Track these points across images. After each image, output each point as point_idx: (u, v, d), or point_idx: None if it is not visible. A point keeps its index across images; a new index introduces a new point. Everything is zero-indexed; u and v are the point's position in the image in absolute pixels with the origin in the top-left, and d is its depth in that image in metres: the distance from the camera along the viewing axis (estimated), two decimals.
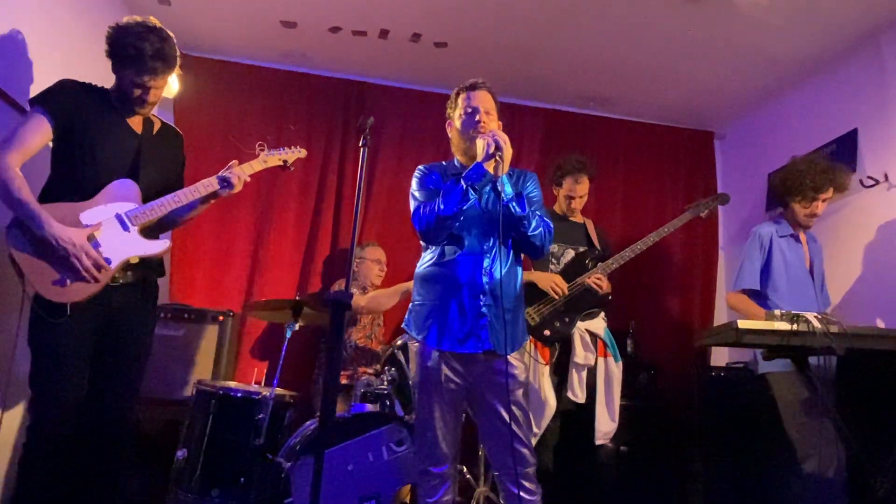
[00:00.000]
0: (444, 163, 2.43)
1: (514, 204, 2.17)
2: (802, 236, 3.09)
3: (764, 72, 3.82)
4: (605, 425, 3.15)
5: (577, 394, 3.13)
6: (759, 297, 3.00)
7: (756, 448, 3.19)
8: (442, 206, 2.12)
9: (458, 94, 2.35)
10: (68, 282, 2.10)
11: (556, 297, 3.07)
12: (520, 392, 2.19)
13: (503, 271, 2.19)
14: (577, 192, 3.34)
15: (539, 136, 4.38)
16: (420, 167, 2.38)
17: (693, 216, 3.47)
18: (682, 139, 4.62)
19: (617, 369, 3.23)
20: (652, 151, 4.54)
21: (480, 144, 2.14)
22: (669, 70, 3.90)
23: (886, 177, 3.22)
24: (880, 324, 3.09)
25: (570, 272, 3.20)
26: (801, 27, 3.34)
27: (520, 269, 2.31)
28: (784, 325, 2.27)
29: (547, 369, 3.09)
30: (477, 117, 2.25)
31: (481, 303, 2.14)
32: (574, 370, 3.13)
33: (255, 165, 2.55)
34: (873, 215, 3.28)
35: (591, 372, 3.17)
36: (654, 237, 3.29)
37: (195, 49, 3.90)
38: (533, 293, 3.06)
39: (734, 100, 4.22)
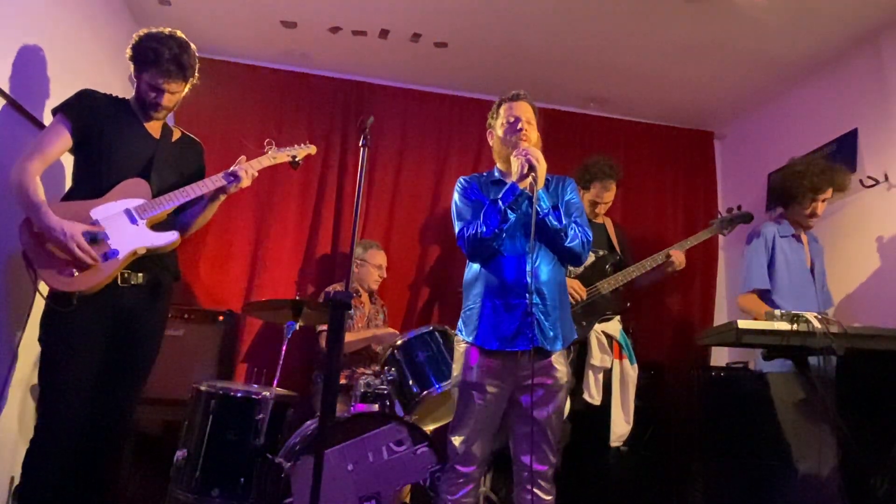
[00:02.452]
0: (484, 173, 2.49)
1: (550, 218, 2.22)
2: (804, 237, 3.09)
3: (764, 72, 3.82)
4: (620, 427, 3.19)
5: (594, 395, 3.15)
6: (762, 296, 3.00)
7: (756, 448, 3.18)
8: (483, 229, 2.19)
9: (499, 105, 2.43)
10: (74, 272, 2.16)
11: (574, 301, 3.08)
12: (561, 395, 2.22)
13: (547, 270, 2.24)
14: (604, 198, 3.36)
15: (539, 136, 4.37)
16: (461, 180, 2.43)
17: (717, 232, 3.50)
18: (682, 139, 4.62)
19: (633, 371, 3.26)
20: (652, 151, 4.54)
21: (515, 164, 2.18)
22: (669, 70, 3.90)
23: (886, 177, 3.22)
24: (880, 324, 3.09)
25: (589, 276, 3.22)
26: (800, 27, 3.34)
27: (563, 268, 2.35)
28: (784, 325, 2.27)
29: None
30: (519, 125, 2.32)
31: (528, 301, 2.16)
32: (590, 372, 3.15)
33: (264, 161, 2.59)
34: (873, 215, 3.28)
35: (607, 374, 3.19)
36: (677, 248, 3.34)
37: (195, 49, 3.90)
38: None
39: (734, 100, 4.21)
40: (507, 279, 2.20)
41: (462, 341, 2.27)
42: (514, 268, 2.21)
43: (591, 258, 3.31)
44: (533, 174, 2.12)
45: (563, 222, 2.24)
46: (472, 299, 2.29)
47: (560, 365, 2.21)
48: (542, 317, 2.18)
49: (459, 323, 2.33)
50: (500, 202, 2.17)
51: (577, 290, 3.10)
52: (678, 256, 3.29)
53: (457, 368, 2.27)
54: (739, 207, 3.59)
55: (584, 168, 3.44)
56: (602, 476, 3.38)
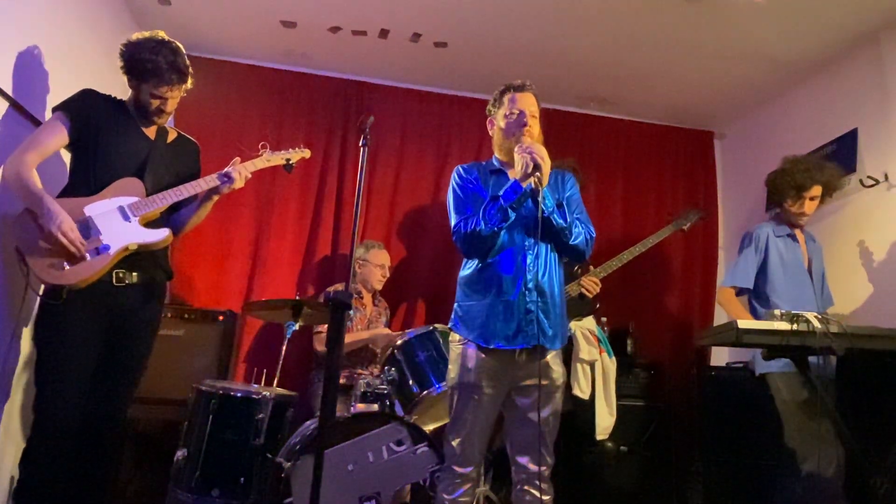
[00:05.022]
0: (482, 162, 2.43)
1: (555, 216, 2.16)
2: (800, 236, 3.09)
3: (764, 72, 3.82)
4: (605, 420, 3.23)
5: (584, 389, 3.18)
6: (758, 297, 3.01)
7: (756, 448, 3.19)
8: (482, 226, 2.12)
9: (503, 93, 2.33)
10: (65, 265, 2.17)
11: (590, 295, 3.20)
12: (557, 395, 2.21)
13: (547, 267, 2.20)
14: None
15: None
16: (459, 169, 2.36)
17: (675, 230, 3.61)
18: (682, 139, 4.62)
19: (612, 364, 3.31)
20: (652, 151, 4.54)
21: (518, 161, 2.12)
22: (670, 70, 3.89)
23: (886, 177, 3.21)
24: (880, 324, 3.09)
25: None
26: (801, 27, 3.33)
27: (562, 266, 2.32)
28: (784, 325, 2.27)
29: None
30: (525, 120, 2.25)
31: (528, 299, 2.14)
32: (579, 366, 3.19)
33: (258, 163, 2.61)
34: (873, 215, 3.28)
35: (592, 368, 3.23)
36: (639, 248, 3.43)
37: (195, 49, 3.89)
38: None
39: (734, 100, 4.21)
40: (508, 276, 2.17)
41: (458, 340, 2.24)
42: (514, 265, 2.17)
43: None
44: (538, 174, 2.07)
45: (568, 220, 2.19)
46: (471, 296, 2.24)
47: (556, 365, 2.20)
48: (542, 315, 2.15)
49: (454, 320, 2.28)
50: (502, 200, 2.11)
51: (594, 283, 3.24)
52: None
53: (453, 370, 2.23)
54: (696, 205, 3.80)
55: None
56: (602, 476, 3.39)
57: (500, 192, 2.14)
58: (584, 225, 2.27)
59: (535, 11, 3.42)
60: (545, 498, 2.16)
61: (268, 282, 3.90)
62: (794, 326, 2.26)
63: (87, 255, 2.20)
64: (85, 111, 2.35)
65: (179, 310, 3.38)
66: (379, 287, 3.71)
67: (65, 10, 2.88)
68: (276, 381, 2.76)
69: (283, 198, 4.02)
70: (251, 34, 3.87)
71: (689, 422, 3.71)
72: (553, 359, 2.20)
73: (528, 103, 2.29)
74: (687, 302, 4.38)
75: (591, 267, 3.36)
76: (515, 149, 2.15)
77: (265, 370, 3.01)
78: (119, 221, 2.28)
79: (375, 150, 4.10)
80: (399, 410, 2.81)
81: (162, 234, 2.38)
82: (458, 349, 2.23)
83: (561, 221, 2.17)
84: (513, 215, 2.13)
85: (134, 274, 2.34)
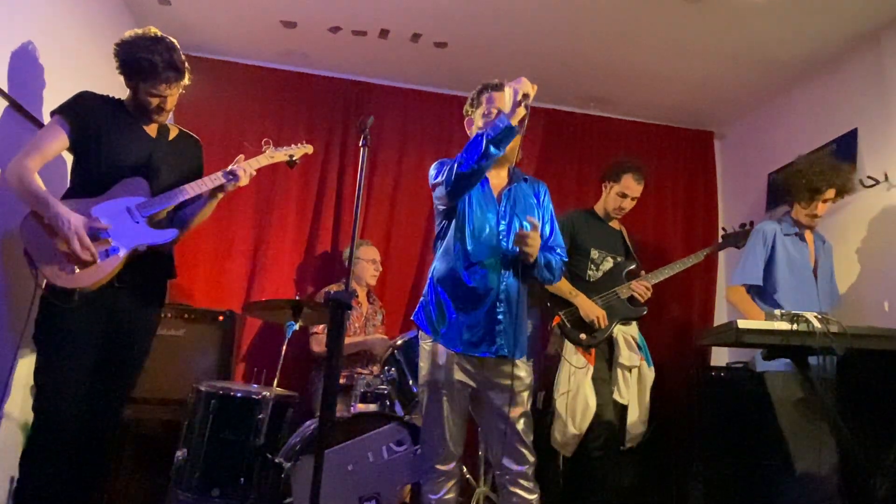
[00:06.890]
0: None
1: (543, 273, 2.24)
2: (809, 236, 3.07)
3: (764, 72, 3.82)
4: (636, 428, 3.21)
5: (624, 395, 3.17)
6: (761, 294, 3.00)
7: (756, 448, 3.19)
8: (461, 163, 2.10)
9: (480, 93, 2.33)
10: (76, 269, 2.17)
11: (599, 328, 3.12)
12: (525, 394, 2.21)
13: (517, 279, 2.22)
14: (633, 190, 3.34)
15: (539, 136, 4.37)
16: (439, 160, 2.38)
17: (727, 246, 3.57)
18: (682, 139, 4.62)
19: (650, 373, 3.29)
20: (652, 151, 4.53)
21: (508, 92, 2.11)
22: (670, 70, 3.89)
23: (886, 177, 3.21)
24: (880, 324, 3.08)
25: (607, 281, 3.27)
26: (801, 27, 3.33)
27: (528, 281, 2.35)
28: (784, 325, 2.27)
29: (589, 372, 3.11)
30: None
31: (498, 309, 2.16)
32: (619, 370, 3.17)
33: (262, 160, 2.60)
34: (873, 215, 3.28)
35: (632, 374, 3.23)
36: (693, 259, 3.42)
37: (195, 49, 3.89)
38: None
39: (734, 100, 4.21)
40: (479, 285, 2.18)
41: (427, 338, 2.23)
42: (485, 273, 2.18)
43: (610, 263, 3.33)
44: (526, 101, 2.04)
45: (553, 266, 2.26)
46: (440, 294, 2.23)
47: (523, 364, 2.22)
48: (509, 325, 2.17)
49: (419, 314, 2.27)
50: (485, 136, 2.05)
51: (600, 319, 3.13)
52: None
53: (424, 367, 2.22)
54: (752, 223, 3.54)
55: (615, 162, 3.42)
56: (602, 476, 3.38)
57: (485, 130, 2.11)
58: (561, 249, 2.33)
59: (535, 11, 3.42)
60: (531, 497, 2.15)
61: (268, 282, 3.90)
62: (794, 326, 2.26)
63: (98, 257, 2.19)
64: (83, 113, 2.33)
65: (179, 310, 3.38)
66: (373, 282, 3.73)
67: (64, 10, 2.88)
68: (276, 381, 2.76)
69: (283, 198, 4.02)
70: (251, 34, 3.87)
71: (689, 421, 3.71)
72: (520, 360, 2.21)
73: (507, 103, 2.25)
74: (687, 302, 4.38)
75: (643, 272, 3.33)
76: (507, 85, 2.16)
77: (265, 370, 3.00)
78: (127, 222, 2.28)
79: (375, 150, 4.11)
80: (399, 410, 2.81)
81: (171, 235, 2.38)
82: (429, 346, 2.22)
83: (548, 276, 2.26)
84: (494, 152, 2.07)
85: (136, 274, 2.33)
